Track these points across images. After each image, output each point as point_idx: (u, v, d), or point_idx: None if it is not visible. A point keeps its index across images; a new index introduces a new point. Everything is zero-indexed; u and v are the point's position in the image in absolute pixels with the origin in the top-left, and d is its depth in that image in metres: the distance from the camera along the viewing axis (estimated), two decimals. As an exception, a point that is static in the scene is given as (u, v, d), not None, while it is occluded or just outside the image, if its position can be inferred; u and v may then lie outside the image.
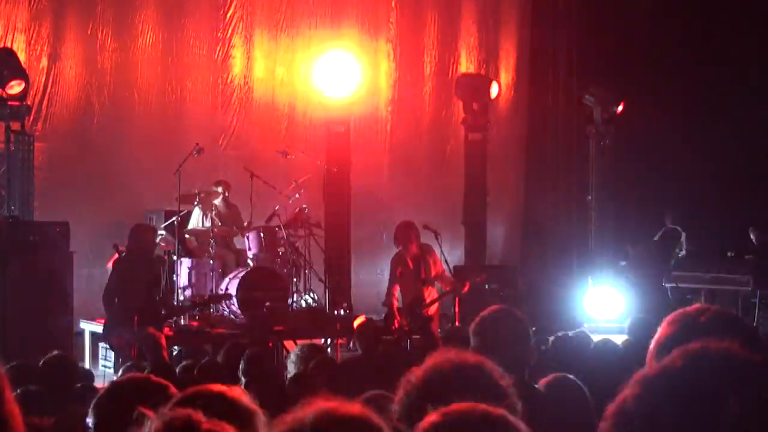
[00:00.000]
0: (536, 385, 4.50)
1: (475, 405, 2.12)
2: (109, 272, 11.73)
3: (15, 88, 12.90)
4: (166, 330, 11.64)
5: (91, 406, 3.51)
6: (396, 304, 12.36)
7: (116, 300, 11.29)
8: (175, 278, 13.09)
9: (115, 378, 6.30)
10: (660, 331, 2.86)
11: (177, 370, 7.87)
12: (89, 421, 3.56)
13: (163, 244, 13.39)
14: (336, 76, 15.66)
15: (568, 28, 18.68)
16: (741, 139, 17.08)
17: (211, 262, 13.38)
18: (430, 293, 12.63)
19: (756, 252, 15.51)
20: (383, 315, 12.46)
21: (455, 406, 2.12)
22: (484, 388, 2.63)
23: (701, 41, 17.52)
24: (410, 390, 2.66)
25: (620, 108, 16.82)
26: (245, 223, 13.91)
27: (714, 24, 17.50)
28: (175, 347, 12.34)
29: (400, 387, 2.70)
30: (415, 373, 2.70)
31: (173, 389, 3.29)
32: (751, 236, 15.78)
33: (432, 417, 2.10)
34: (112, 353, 11.82)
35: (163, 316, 11.37)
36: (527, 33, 18.77)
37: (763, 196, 16.88)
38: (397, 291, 12.44)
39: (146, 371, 6.15)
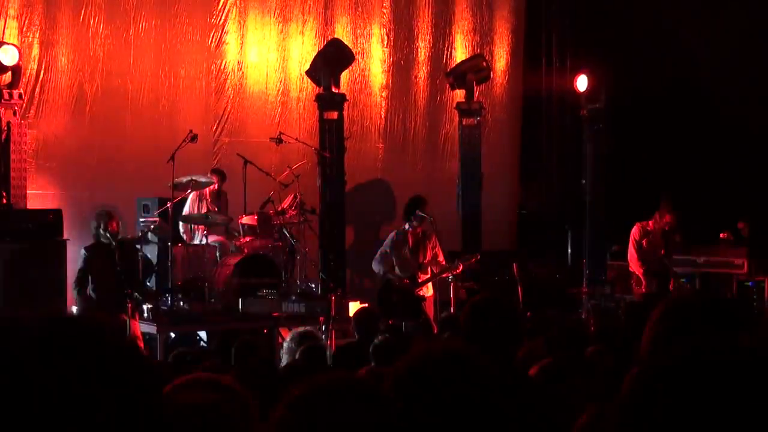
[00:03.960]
0: (528, 372, 4.50)
1: (340, 375, 2.06)
2: (80, 259, 11.81)
3: None
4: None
5: None
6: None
7: (87, 287, 11.46)
8: (168, 265, 13.05)
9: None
10: (652, 317, 2.85)
11: (169, 358, 7.85)
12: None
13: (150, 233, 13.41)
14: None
15: (562, 11, 18.65)
16: (735, 121, 17.03)
17: (206, 248, 13.37)
18: (425, 276, 12.76)
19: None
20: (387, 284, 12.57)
21: (321, 377, 2.06)
22: (468, 378, 2.61)
23: (695, 19, 17.45)
24: (397, 381, 2.64)
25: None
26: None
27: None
28: (171, 334, 12.36)
29: (389, 376, 2.68)
30: (402, 363, 2.67)
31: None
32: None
33: (297, 389, 2.05)
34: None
35: (134, 301, 11.42)
36: (522, 17, 18.75)
37: (757, 177, 16.86)
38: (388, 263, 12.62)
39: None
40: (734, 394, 1.61)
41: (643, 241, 14.32)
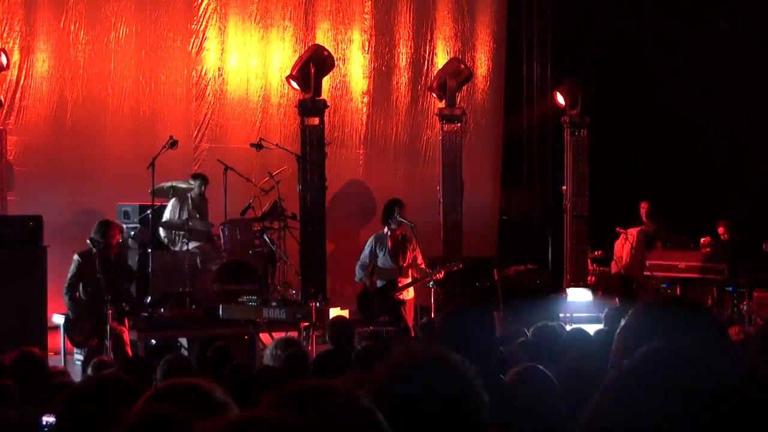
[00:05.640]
0: (503, 377, 4.51)
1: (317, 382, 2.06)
2: (73, 265, 11.70)
3: None
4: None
5: (59, 404, 3.44)
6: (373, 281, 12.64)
7: (78, 293, 11.38)
8: (149, 271, 13.02)
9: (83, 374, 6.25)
10: (625, 322, 2.86)
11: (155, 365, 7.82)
12: (48, 419, 3.48)
13: (131, 239, 13.37)
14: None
15: (543, 17, 18.71)
16: (714, 130, 17.13)
17: (187, 254, 13.34)
18: (405, 279, 12.80)
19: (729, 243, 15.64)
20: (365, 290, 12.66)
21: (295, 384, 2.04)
22: (447, 383, 2.62)
23: (675, 31, 17.55)
24: (373, 387, 2.64)
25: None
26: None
27: (689, 14, 17.54)
28: (152, 340, 12.32)
29: (367, 382, 2.68)
30: (379, 369, 2.67)
31: (144, 386, 3.25)
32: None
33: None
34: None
35: (125, 310, 11.41)
36: (503, 23, 18.79)
37: (736, 185, 16.95)
38: (371, 267, 12.73)
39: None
40: (702, 395, 1.61)
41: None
